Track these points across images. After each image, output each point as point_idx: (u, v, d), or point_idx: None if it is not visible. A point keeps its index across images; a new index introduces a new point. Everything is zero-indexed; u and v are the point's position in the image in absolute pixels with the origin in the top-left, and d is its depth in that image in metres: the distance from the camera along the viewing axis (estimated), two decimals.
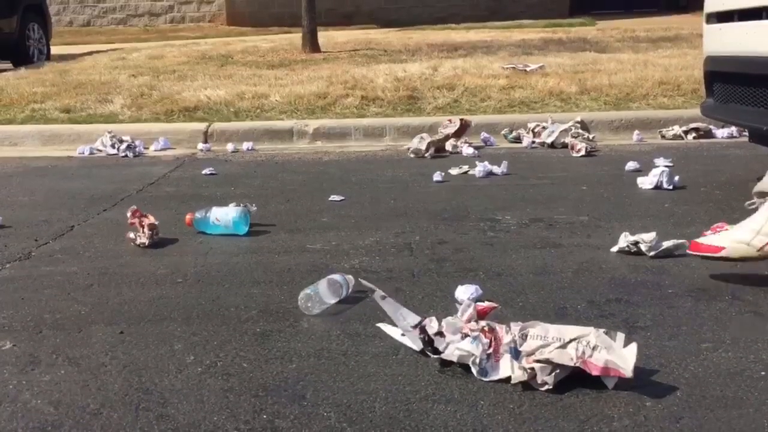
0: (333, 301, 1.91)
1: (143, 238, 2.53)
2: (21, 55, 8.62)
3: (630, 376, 1.44)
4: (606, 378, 1.46)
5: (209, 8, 13.40)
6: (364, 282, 1.74)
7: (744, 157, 3.71)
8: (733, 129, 4.26)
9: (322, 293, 1.91)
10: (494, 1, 15.11)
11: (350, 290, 1.97)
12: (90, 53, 9.05)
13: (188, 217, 2.73)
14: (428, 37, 9.71)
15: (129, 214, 2.61)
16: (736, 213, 2.65)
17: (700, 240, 2.04)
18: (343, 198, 3.17)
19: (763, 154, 3.26)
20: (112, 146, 4.45)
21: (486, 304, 1.72)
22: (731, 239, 1.98)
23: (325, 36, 9.02)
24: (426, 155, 4.11)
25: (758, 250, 1.94)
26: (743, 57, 2.73)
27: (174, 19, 13.52)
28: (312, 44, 8.15)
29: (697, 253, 2.03)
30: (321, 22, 9.18)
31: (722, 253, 1.98)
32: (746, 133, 3.54)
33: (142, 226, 2.55)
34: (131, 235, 2.56)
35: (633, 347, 1.48)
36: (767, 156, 3.25)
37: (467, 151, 4.16)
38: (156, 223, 2.58)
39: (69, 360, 1.68)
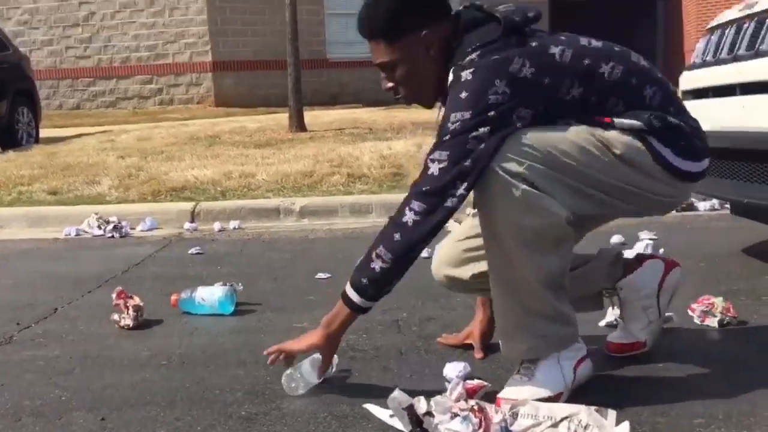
0: (317, 380, 1.88)
1: (128, 320, 2.49)
2: (10, 139, 8.70)
3: None
4: None
5: (198, 90, 13.67)
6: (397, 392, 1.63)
7: (727, 229, 3.76)
8: (715, 201, 4.32)
9: (306, 373, 1.87)
10: None
11: (335, 369, 1.94)
12: (79, 135, 9.15)
13: (173, 297, 2.70)
14: (413, 115, 9.91)
15: (114, 296, 2.59)
16: (722, 285, 2.67)
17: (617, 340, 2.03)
18: (330, 275, 3.16)
19: (746, 226, 3.30)
20: (99, 227, 4.44)
21: (475, 382, 1.70)
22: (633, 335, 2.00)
23: (311, 116, 9.19)
24: None
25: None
26: (719, 132, 2.80)
27: (163, 101, 13.75)
28: (298, 124, 8.29)
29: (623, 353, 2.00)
30: (307, 102, 9.37)
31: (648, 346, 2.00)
32: (728, 206, 3.60)
33: (127, 308, 2.52)
34: (115, 316, 2.52)
35: (625, 426, 1.46)
36: (751, 228, 3.30)
37: (454, 226, 4.17)
38: (141, 304, 2.56)
39: None
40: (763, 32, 2.59)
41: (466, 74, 1.63)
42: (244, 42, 13.62)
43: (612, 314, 2.30)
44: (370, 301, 1.71)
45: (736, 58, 2.72)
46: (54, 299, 2.93)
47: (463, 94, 1.61)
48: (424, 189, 1.62)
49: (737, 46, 2.75)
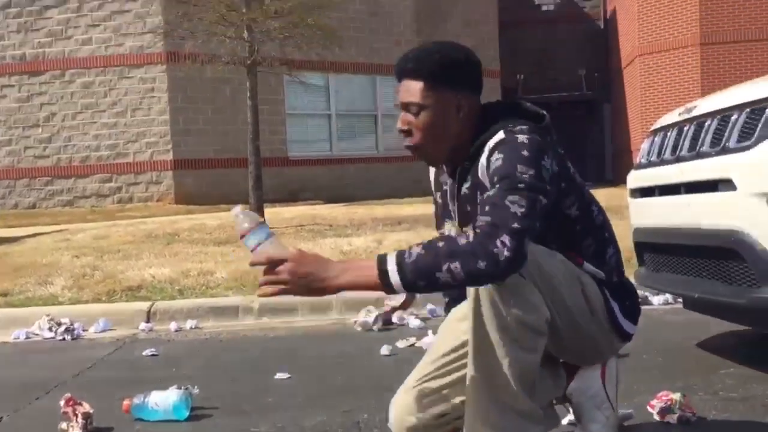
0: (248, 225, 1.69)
1: (76, 429, 2.39)
2: None
3: None
4: None
5: (158, 188, 13.66)
6: None
7: (681, 323, 3.82)
8: (668, 295, 4.40)
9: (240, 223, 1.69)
10: None
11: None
12: (34, 235, 8.99)
13: (125, 402, 2.61)
14: (373, 211, 10.03)
15: (62, 403, 2.49)
16: (679, 380, 2.70)
17: None
18: (289, 376, 3.10)
19: (699, 320, 3.36)
20: (50, 329, 4.31)
21: None
22: None
23: (271, 212, 9.23)
24: (373, 328, 4.11)
25: None
26: (667, 229, 2.90)
27: (122, 199, 13.68)
28: None
29: None
30: (268, 199, 9.42)
31: None
32: (681, 300, 3.67)
33: (76, 415, 2.42)
34: (63, 425, 2.42)
35: None
36: (704, 322, 3.36)
37: (414, 323, 4.17)
38: (91, 411, 2.46)
39: None
40: (702, 135, 2.73)
41: (522, 137, 1.69)
42: (205, 141, 13.77)
43: (572, 414, 2.29)
44: (407, 291, 1.61)
45: (679, 159, 2.85)
46: None
47: (525, 153, 1.66)
48: (514, 226, 1.55)
49: (679, 147, 2.89)
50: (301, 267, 1.59)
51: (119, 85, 13.56)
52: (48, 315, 4.46)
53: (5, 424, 2.60)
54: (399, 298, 4.36)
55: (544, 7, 21.60)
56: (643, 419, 2.29)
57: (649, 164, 3.16)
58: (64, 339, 4.22)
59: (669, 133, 3.04)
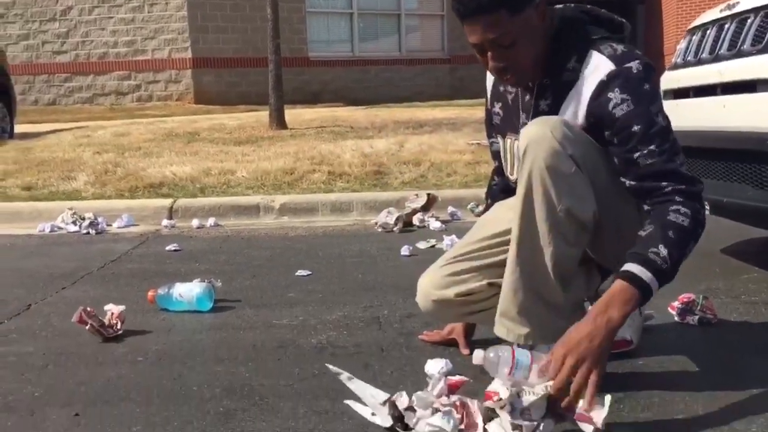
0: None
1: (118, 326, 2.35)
2: None
3: (600, 427, 1.48)
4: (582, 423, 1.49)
5: (177, 87, 13.55)
6: (330, 367, 1.83)
7: (706, 229, 3.77)
8: None
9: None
10: (458, 81, 15.57)
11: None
12: (54, 131, 9.02)
13: (150, 293, 2.66)
14: (394, 114, 9.90)
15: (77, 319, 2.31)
16: (702, 284, 2.69)
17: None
18: (310, 273, 3.13)
19: (724, 225, 3.32)
20: (74, 223, 4.37)
21: (457, 378, 1.68)
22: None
23: (292, 114, 9.14)
24: (394, 229, 4.11)
25: None
26: (700, 131, 2.81)
27: (141, 97, 13.61)
28: (279, 121, 8.23)
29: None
30: (288, 100, 9.30)
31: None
32: (707, 206, 3.61)
33: (115, 321, 2.34)
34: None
35: (607, 398, 1.50)
36: (729, 227, 3.32)
37: (434, 225, 4.17)
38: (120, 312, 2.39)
39: None
40: (744, 32, 2.61)
41: (634, 65, 1.67)
42: (224, 39, 13.52)
43: None
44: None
45: (718, 58, 2.74)
46: (27, 295, 2.87)
47: (647, 86, 1.67)
48: (700, 188, 1.69)
49: (718, 46, 2.76)
50: (573, 349, 1.50)
51: None
52: (71, 209, 4.51)
53: (33, 312, 2.66)
54: (420, 201, 4.38)
55: None
56: (663, 320, 2.29)
57: (685, 64, 3.04)
58: (88, 233, 4.28)
59: (708, 31, 2.91)
